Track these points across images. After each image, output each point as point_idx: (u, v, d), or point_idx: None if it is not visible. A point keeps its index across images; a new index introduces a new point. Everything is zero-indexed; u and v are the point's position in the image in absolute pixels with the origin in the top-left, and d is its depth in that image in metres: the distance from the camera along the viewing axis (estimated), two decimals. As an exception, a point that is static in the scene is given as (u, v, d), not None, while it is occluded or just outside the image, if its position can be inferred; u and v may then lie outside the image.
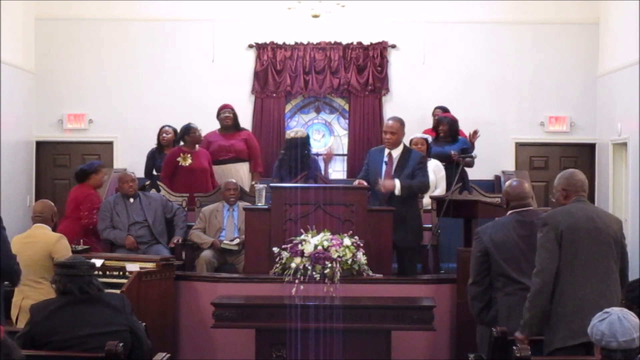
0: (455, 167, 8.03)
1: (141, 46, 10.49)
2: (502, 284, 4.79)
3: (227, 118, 8.99)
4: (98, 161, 8.51)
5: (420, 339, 6.31)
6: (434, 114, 9.56)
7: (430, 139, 8.46)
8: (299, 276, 6.11)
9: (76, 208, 7.62)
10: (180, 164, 8.41)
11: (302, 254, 6.19)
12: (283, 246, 6.33)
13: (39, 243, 5.68)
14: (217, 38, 10.32)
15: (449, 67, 10.44)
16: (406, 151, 6.96)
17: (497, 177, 10.11)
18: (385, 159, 6.90)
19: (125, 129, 10.34)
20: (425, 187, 7.05)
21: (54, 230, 5.91)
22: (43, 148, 10.56)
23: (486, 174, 9.59)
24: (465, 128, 9.02)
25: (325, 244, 6.19)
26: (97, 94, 10.48)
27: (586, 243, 4.34)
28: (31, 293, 5.56)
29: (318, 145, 10.49)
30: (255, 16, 10.42)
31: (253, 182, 8.70)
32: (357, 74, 10.40)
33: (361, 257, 6.24)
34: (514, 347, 4.20)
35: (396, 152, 6.90)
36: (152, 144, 9.11)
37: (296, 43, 10.41)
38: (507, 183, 5.10)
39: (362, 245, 6.30)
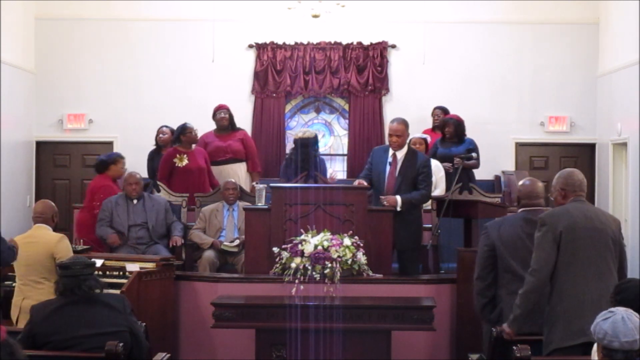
0: (455, 169, 8.05)
1: (141, 46, 10.49)
2: (507, 281, 4.79)
3: (223, 119, 9.00)
4: (117, 152, 8.49)
5: (420, 339, 6.31)
6: (433, 114, 9.57)
7: (429, 138, 8.47)
8: (299, 276, 6.11)
9: (92, 199, 7.73)
10: (176, 164, 8.40)
11: (302, 254, 6.19)
12: (283, 246, 6.33)
13: (39, 243, 5.66)
14: (217, 38, 10.33)
15: (449, 67, 10.44)
16: (410, 152, 6.95)
17: (497, 177, 10.11)
18: (390, 159, 6.89)
19: (125, 129, 10.34)
20: (426, 199, 7.03)
21: (55, 229, 5.89)
22: (43, 148, 10.56)
23: (486, 174, 9.58)
24: (465, 128, 9.01)
25: (325, 244, 6.19)
26: (97, 94, 10.48)
27: (585, 243, 4.34)
28: (32, 293, 5.55)
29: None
30: (255, 16, 10.43)
31: (254, 183, 8.70)
32: (357, 74, 10.40)
33: (361, 257, 6.24)
34: (514, 347, 4.21)
35: (401, 154, 6.89)
36: (152, 144, 9.11)
37: (296, 43, 10.41)
38: (521, 182, 5.10)
39: (362, 245, 6.30)
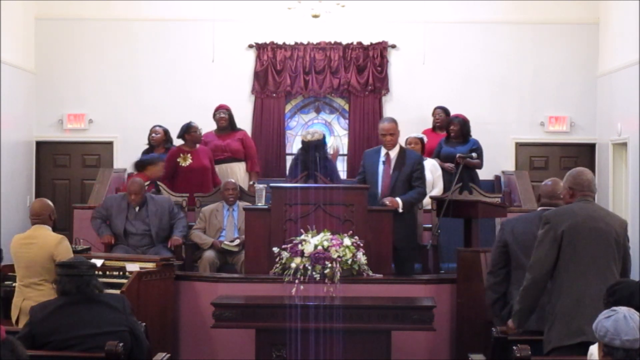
0: (456, 168, 8.06)
1: (141, 46, 10.48)
2: (518, 278, 4.79)
3: (222, 119, 9.02)
4: (158, 155, 8.51)
5: (420, 339, 6.31)
6: (434, 114, 9.57)
7: (425, 138, 8.47)
8: (299, 276, 6.12)
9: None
10: (180, 164, 8.41)
11: (302, 254, 6.20)
12: (283, 246, 6.33)
13: (39, 245, 5.62)
14: (217, 38, 10.32)
15: (449, 67, 10.44)
16: (402, 151, 7.05)
17: (497, 177, 10.11)
18: (383, 159, 6.95)
19: (125, 129, 10.33)
20: (423, 197, 7.15)
21: (54, 228, 5.87)
22: (43, 148, 10.56)
23: (486, 174, 9.58)
24: (470, 128, 9.02)
25: (325, 244, 6.19)
26: (97, 94, 10.47)
27: (586, 243, 4.34)
28: (32, 294, 5.53)
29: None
30: (255, 16, 10.42)
31: (251, 182, 8.71)
32: (357, 74, 10.40)
33: (361, 257, 6.24)
34: (514, 347, 4.21)
35: (393, 152, 6.97)
36: (145, 143, 9.12)
37: (296, 43, 10.40)
38: (545, 181, 5.14)
39: (362, 245, 6.30)
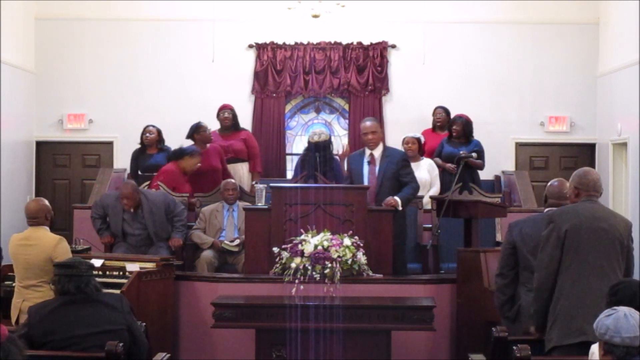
0: (457, 168, 8.05)
1: (141, 46, 10.48)
2: (526, 279, 4.79)
3: (226, 119, 9.01)
4: (198, 149, 8.35)
5: (420, 339, 6.31)
6: (435, 114, 9.56)
7: (422, 138, 8.47)
8: (299, 276, 6.12)
9: (156, 178, 8.02)
10: None
11: (302, 254, 6.19)
12: (283, 246, 6.33)
13: (38, 246, 5.61)
14: (217, 38, 10.32)
15: (449, 67, 10.44)
16: (386, 149, 7.07)
17: (497, 177, 10.11)
18: (368, 159, 6.97)
19: (125, 129, 10.32)
20: (417, 191, 7.11)
21: (51, 227, 5.84)
22: (43, 148, 10.56)
23: (486, 174, 9.57)
24: (473, 129, 9.02)
25: (325, 244, 6.19)
26: (97, 94, 10.47)
27: (589, 243, 4.34)
28: (31, 295, 5.53)
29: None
30: (255, 16, 10.42)
31: (253, 182, 8.69)
32: (357, 74, 10.40)
33: (361, 257, 6.24)
34: (514, 347, 4.21)
35: (377, 152, 6.99)
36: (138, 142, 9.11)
37: (296, 43, 10.40)
38: (551, 181, 5.12)
39: (362, 245, 6.30)
